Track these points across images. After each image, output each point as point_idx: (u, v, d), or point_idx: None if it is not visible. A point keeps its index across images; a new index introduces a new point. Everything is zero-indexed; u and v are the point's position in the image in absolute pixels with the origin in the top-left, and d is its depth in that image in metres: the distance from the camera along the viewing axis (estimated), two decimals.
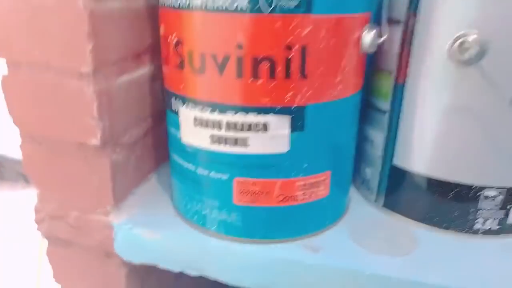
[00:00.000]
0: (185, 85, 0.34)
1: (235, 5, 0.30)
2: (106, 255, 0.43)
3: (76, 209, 0.41)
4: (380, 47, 0.37)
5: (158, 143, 0.47)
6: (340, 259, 0.36)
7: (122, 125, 0.39)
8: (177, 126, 0.37)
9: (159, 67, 0.44)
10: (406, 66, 0.37)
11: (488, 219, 0.39)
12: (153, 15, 0.41)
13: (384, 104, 0.40)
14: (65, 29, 0.33)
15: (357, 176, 0.46)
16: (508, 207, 0.38)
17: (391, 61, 0.38)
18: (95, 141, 0.36)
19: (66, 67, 0.34)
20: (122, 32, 0.37)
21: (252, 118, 0.33)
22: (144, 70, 0.42)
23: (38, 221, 0.43)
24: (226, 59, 0.31)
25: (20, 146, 0.40)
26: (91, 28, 0.33)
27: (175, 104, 0.36)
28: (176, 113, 0.36)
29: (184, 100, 0.35)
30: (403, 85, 0.38)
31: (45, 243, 0.46)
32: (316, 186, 0.37)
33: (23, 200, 1.87)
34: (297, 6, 0.30)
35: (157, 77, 0.44)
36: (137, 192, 0.44)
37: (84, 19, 0.32)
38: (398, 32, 0.37)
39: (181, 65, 0.34)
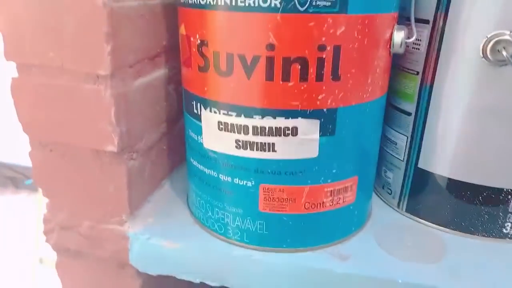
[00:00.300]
0: (209, 88, 0.33)
1: (267, 3, 0.28)
2: (119, 266, 0.41)
3: (89, 219, 0.39)
4: (406, 48, 0.36)
5: (172, 148, 0.45)
6: (370, 267, 0.34)
7: (138, 130, 0.38)
8: (198, 130, 0.35)
9: (174, 69, 0.42)
10: (434, 67, 0.36)
11: None
12: (169, 14, 0.39)
13: (409, 105, 0.39)
14: (82, 29, 0.31)
15: (376, 180, 0.45)
16: None
17: (418, 62, 0.37)
18: (112, 147, 0.35)
19: (82, 70, 0.33)
20: (140, 33, 0.36)
21: (280, 122, 0.31)
22: (159, 72, 0.40)
23: (46, 232, 0.41)
24: (255, 60, 0.30)
25: (29, 153, 0.38)
26: (110, 28, 0.31)
27: (197, 107, 0.34)
28: (197, 117, 0.35)
29: (207, 104, 0.33)
30: (430, 86, 0.37)
31: (40, 250, 0.44)
32: (344, 192, 0.35)
33: (12, 205, 1.83)
34: (331, 5, 0.28)
35: (171, 80, 0.42)
36: (152, 200, 0.42)
37: (103, 19, 0.30)
38: (425, 32, 0.36)
39: (205, 67, 0.32)
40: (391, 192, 0.43)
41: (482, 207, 0.37)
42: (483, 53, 0.33)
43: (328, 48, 0.29)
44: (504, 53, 0.32)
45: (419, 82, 0.38)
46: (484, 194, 0.37)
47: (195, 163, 0.37)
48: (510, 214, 0.37)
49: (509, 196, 0.36)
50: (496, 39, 0.32)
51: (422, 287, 0.33)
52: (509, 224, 0.37)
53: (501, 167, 0.36)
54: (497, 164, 0.36)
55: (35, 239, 1.45)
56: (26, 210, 1.71)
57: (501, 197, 0.37)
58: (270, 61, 0.30)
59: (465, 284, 0.33)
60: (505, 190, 0.36)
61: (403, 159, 0.41)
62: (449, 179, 0.38)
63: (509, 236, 0.38)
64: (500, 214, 0.37)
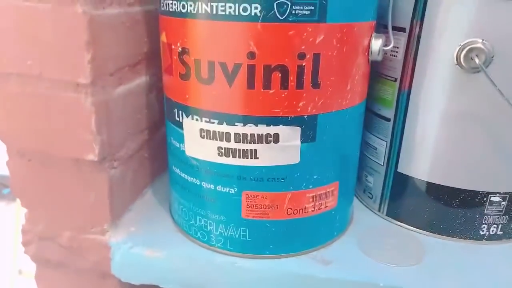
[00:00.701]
0: (191, 95, 0.33)
1: (247, 12, 0.28)
2: (101, 277, 0.40)
3: (69, 229, 0.38)
4: (384, 55, 0.37)
5: (153, 156, 0.45)
6: (353, 271, 0.35)
7: (120, 138, 0.37)
8: (180, 138, 0.35)
9: (154, 76, 0.42)
10: (411, 74, 0.37)
11: (492, 225, 0.39)
12: (150, 21, 0.39)
13: (388, 111, 0.40)
14: (62, 37, 0.31)
15: (357, 184, 0.46)
16: (511, 212, 0.38)
17: (396, 69, 0.38)
18: (93, 156, 0.34)
19: (62, 78, 0.32)
20: (120, 40, 0.35)
21: (262, 129, 0.32)
22: (140, 80, 0.40)
23: (25, 243, 0.40)
24: (236, 68, 0.30)
25: (7, 163, 0.37)
26: (90, 37, 0.31)
27: (179, 115, 0.34)
28: (179, 124, 0.35)
29: (189, 111, 0.33)
30: (408, 92, 0.38)
31: (18, 260, 0.43)
32: (325, 197, 0.36)
33: None
34: (311, 14, 0.29)
35: (153, 87, 0.42)
36: (133, 209, 0.42)
37: (83, 27, 0.30)
38: (402, 39, 0.37)
39: (186, 75, 0.32)
40: (372, 196, 0.44)
41: (460, 210, 0.38)
42: (457, 60, 0.34)
43: (308, 56, 0.30)
44: (477, 60, 0.33)
45: (397, 88, 0.39)
46: (461, 197, 0.38)
47: (177, 170, 0.37)
48: (486, 216, 0.38)
49: (485, 199, 0.37)
50: (469, 47, 0.33)
51: None
52: (485, 226, 0.39)
53: (476, 170, 0.37)
54: (472, 167, 0.37)
55: (13, 249, 1.42)
56: (4, 220, 1.67)
57: (477, 199, 0.38)
58: (251, 69, 0.30)
59: (444, 285, 0.34)
60: (480, 192, 0.37)
61: (383, 163, 0.41)
62: (428, 182, 0.39)
63: (486, 237, 0.39)
64: (477, 216, 0.38)
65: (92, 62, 0.32)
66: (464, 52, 0.34)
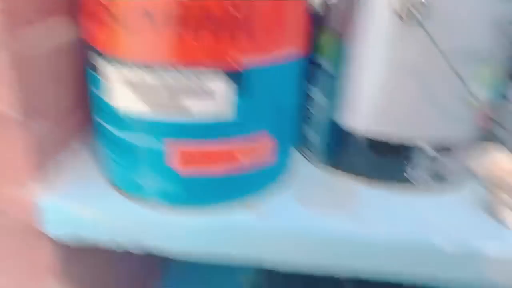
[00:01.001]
0: (113, 42, 0.30)
1: None
2: (32, 236, 0.38)
3: None
4: (325, 5, 0.36)
5: (82, 109, 0.42)
6: (286, 221, 0.35)
7: (42, 91, 0.34)
8: (104, 90, 0.33)
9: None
10: (352, 25, 0.36)
11: (421, 172, 0.40)
12: None
13: (327, 62, 0.39)
14: None
15: (297, 136, 0.46)
16: (439, 159, 0.40)
17: (336, 19, 0.37)
18: (12, 111, 0.31)
19: None
20: None
21: (192, 81, 0.30)
22: (66, 30, 0.36)
23: None
24: (162, 13, 0.28)
25: None
26: None
27: (100, 63, 0.32)
28: (100, 73, 0.32)
29: (110, 60, 0.31)
30: (347, 44, 0.37)
31: None
32: (261, 150, 0.35)
33: None
34: None
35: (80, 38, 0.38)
36: (63, 164, 0.39)
37: None
38: None
39: (109, 21, 0.29)
40: (310, 148, 0.44)
41: (391, 158, 0.40)
42: (396, 12, 0.34)
43: (241, 4, 0.28)
44: (415, 12, 0.33)
45: (337, 39, 0.37)
46: (396, 146, 0.39)
47: (102, 123, 0.35)
48: (417, 165, 0.39)
49: (413, 147, 0.39)
50: None
51: (334, 238, 0.35)
52: (418, 174, 0.40)
53: (405, 119, 0.37)
54: (402, 117, 0.37)
55: None
56: None
57: (406, 148, 0.39)
58: (180, 16, 0.28)
59: (376, 231, 0.35)
60: (408, 141, 0.38)
61: (322, 115, 0.41)
62: (362, 133, 0.39)
63: (418, 185, 0.41)
64: (406, 163, 0.39)
65: (3, 11, 0.28)
66: (403, 4, 0.33)
